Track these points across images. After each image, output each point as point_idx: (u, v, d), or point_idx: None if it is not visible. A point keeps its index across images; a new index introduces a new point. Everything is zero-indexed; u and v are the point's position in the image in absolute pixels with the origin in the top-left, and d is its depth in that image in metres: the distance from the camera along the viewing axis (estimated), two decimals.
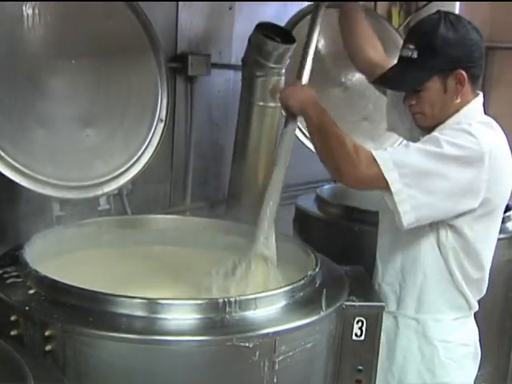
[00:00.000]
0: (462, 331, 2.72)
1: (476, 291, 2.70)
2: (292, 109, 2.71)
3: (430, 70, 2.52)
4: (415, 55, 2.53)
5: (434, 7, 4.34)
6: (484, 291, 2.73)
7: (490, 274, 2.73)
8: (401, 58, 2.62)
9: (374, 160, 2.45)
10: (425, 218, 2.50)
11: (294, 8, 4.09)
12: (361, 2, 3.37)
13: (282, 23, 3.77)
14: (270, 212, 2.71)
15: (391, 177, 2.43)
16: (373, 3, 5.19)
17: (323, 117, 2.60)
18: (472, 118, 2.57)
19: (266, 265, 2.62)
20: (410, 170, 2.43)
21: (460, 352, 2.71)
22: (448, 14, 2.55)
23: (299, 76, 2.83)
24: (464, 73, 2.52)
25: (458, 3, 5.02)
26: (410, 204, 2.44)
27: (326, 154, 2.57)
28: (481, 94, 2.66)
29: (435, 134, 2.51)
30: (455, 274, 2.62)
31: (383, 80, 2.69)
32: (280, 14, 4.11)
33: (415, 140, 2.66)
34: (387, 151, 2.49)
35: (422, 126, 2.66)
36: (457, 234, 2.57)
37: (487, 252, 2.67)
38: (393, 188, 2.43)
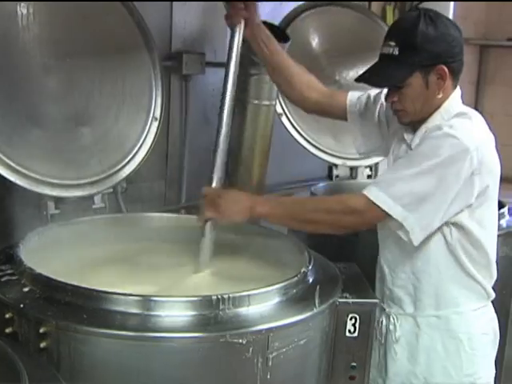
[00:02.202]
0: (483, 320, 2.75)
1: (487, 275, 2.72)
2: (239, 221, 2.67)
3: (412, 66, 2.54)
4: (396, 52, 2.54)
5: (428, 6, 4.34)
6: (495, 275, 2.75)
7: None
8: (382, 56, 2.63)
9: (372, 202, 2.49)
10: (433, 229, 2.56)
11: (289, 6, 4.11)
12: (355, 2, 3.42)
13: (277, 21, 3.78)
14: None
15: (396, 212, 2.49)
16: (367, 2, 5.20)
17: (282, 205, 2.68)
18: (451, 110, 2.60)
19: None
20: (409, 198, 2.48)
21: (482, 341, 2.73)
22: (427, 11, 2.57)
23: (211, 180, 2.76)
24: (445, 68, 2.54)
25: (452, 2, 5.02)
26: (418, 226, 2.51)
27: (321, 228, 2.62)
28: (458, 87, 2.68)
29: (420, 148, 2.55)
30: (466, 265, 2.64)
31: (365, 77, 2.69)
32: (275, 13, 4.11)
33: (399, 138, 2.71)
34: (380, 188, 2.51)
35: (405, 122, 2.68)
36: (458, 228, 2.60)
37: (489, 237, 2.70)
38: (400, 218, 2.49)
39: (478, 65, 6.61)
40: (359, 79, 2.72)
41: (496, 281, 2.78)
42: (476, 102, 6.51)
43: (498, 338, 2.84)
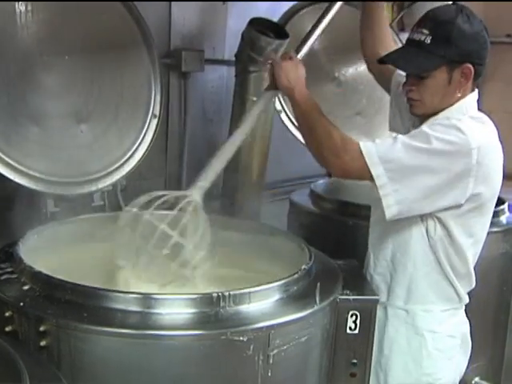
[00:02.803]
0: (451, 323, 2.74)
1: (465, 283, 2.72)
2: (279, 83, 2.70)
3: (441, 58, 2.52)
4: (428, 40, 2.52)
5: (427, 3, 4.34)
6: (473, 284, 2.75)
7: (484, 267, 2.76)
8: (411, 41, 2.60)
9: (361, 153, 2.47)
10: (408, 212, 2.53)
11: (287, 3, 4.10)
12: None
13: (276, 19, 3.77)
14: (215, 167, 2.77)
15: (376, 171, 2.46)
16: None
17: (310, 104, 2.62)
18: (464, 112, 2.59)
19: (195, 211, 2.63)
20: (396, 165, 2.45)
21: (447, 343, 2.73)
22: (464, 8, 2.57)
23: (298, 50, 2.85)
24: (471, 67, 2.54)
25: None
26: (394, 198, 2.47)
27: (313, 143, 2.61)
28: (476, 90, 2.67)
29: (425, 129, 2.51)
30: (444, 266, 2.64)
31: (391, 58, 2.69)
32: (273, 10, 4.10)
33: (407, 131, 2.68)
34: (374, 144, 2.50)
35: (417, 113, 2.66)
36: (443, 227, 2.60)
37: (473, 247, 2.68)
38: (377, 182, 2.46)
39: None
40: (385, 59, 2.70)
41: (496, 277, 2.78)
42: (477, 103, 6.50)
43: (469, 344, 2.84)
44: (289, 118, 4.13)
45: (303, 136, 2.67)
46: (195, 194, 2.66)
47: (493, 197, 2.64)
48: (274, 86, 2.74)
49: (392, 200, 2.47)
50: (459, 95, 2.59)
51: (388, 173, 2.45)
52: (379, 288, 2.77)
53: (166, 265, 2.53)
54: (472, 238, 2.65)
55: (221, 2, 4.04)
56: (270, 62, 2.77)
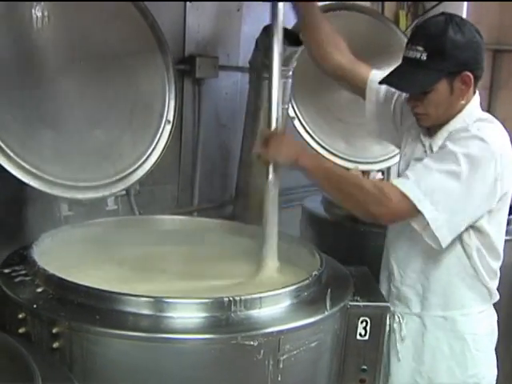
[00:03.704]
0: (487, 322, 2.79)
1: (495, 278, 2.75)
2: (282, 164, 2.70)
3: (440, 72, 2.55)
4: (424, 57, 2.54)
5: (441, 10, 4.34)
6: (499, 275, 2.77)
7: (503, 274, 2.79)
8: (407, 59, 2.62)
9: (403, 194, 2.48)
10: (459, 232, 2.57)
11: None
12: (368, 2, 3.43)
13: (290, 25, 3.78)
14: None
15: (425, 208, 2.47)
16: (380, 6, 5.21)
17: (324, 166, 2.66)
18: (473, 115, 2.62)
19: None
20: (440, 196, 2.48)
21: (486, 342, 2.77)
22: (453, 17, 2.58)
23: (269, 124, 2.79)
24: (470, 74, 2.55)
25: (465, 6, 5.02)
26: (447, 228, 2.51)
27: (348, 202, 2.62)
28: (477, 92, 2.70)
29: (449, 147, 2.53)
30: (479, 269, 2.67)
31: (392, 81, 2.70)
32: (288, 17, 4.11)
33: (413, 138, 2.71)
34: (412, 180, 2.50)
35: (425, 125, 2.69)
36: (478, 232, 2.62)
37: (501, 240, 2.73)
38: (428, 217, 2.48)
39: (491, 70, 6.59)
40: (385, 82, 2.72)
41: (508, 286, 2.80)
42: (489, 107, 6.49)
43: (497, 336, 2.86)
44: (301, 124, 4.15)
45: (334, 198, 2.71)
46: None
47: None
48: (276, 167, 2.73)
49: (445, 231, 2.51)
50: (463, 102, 2.61)
51: (435, 205, 2.47)
52: (410, 299, 2.78)
53: None
54: (502, 233, 2.71)
55: (235, 9, 4.06)
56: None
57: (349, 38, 4.04)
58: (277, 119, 2.78)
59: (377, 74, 2.93)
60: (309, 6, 3.01)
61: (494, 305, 2.84)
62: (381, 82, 2.75)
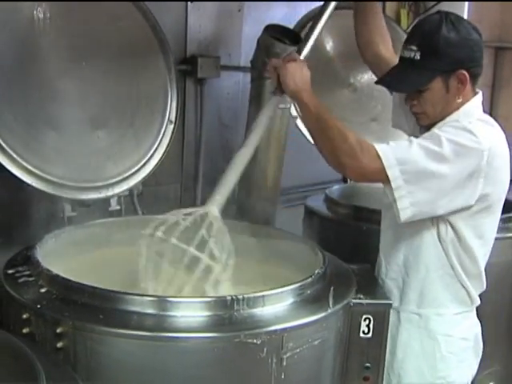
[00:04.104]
0: (464, 325, 2.75)
1: (477, 284, 2.73)
2: (286, 87, 2.70)
3: (433, 71, 2.55)
4: (418, 56, 2.55)
5: (442, 8, 4.35)
6: (484, 286, 2.75)
7: (497, 272, 2.77)
8: (403, 59, 2.63)
9: (377, 155, 2.48)
10: (422, 214, 2.54)
11: (303, 10, 4.12)
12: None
13: (291, 25, 3.79)
14: (230, 180, 2.79)
15: (393, 173, 2.47)
16: (381, 5, 5.20)
17: (319, 106, 2.62)
18: (471, 115, 2.60)
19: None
20: (412, 168, 2.46)
21: (460, 346, 2.74)
22: (448, 15, 2.57)
23: (300, 51, 2.86)
24: (466, 73, 2.55)
25: (466, 4, 5.02)
26: (408, 200, 2.48)
27: (326, 146, 2.60)
28: (480, 93, 2.69)
29: (436, 131, 2.53)
30: (456, 268, 2.65)
31: (385, 81, 2.71)
32: (289, 16, 4.13)
33: (412, 128, 2.71)
34: (390, 146, 2.51)
35: (424, 125, 2.69)
36: (453, 229, 2.61)
37: (482, 248, 2.69)
38: (393, 184, 2.47)
39: (493, 68, 6.59)
40: (380, 82, 2.73)
41: (510, 283, 2.78)
42: (491, 106, 6.48)
43: (481, 345, 2.84)
44: None
45: (314, 139, 2.66)
46: (212, 209, 2.66)
47: (501, 197, 2.65)
48: (280, 90, 2.75)
49: (407, 202, 2.49)
50: (460, 100, 2.60)
51: (404, 175, 2.46)
52: (391, 293, 2.78)
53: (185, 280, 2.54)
54: (482, 239, 2.66)
55: (236, 9, 4.07)
56: (274, 66, 2.76)
57: (350, 36, 4.05)
58: (308, 52, 2.87)
59: None
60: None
61: (495, 305, 2.82)
62: (376, 82, 2.76)
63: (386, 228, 2.81)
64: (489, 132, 2.56)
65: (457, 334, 2.72)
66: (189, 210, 2.66)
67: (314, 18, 3.03)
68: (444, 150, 2.46)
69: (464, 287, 2.69)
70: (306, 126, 2.77)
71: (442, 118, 2.62)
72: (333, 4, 2.96)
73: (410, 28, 2.84)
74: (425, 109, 2.62)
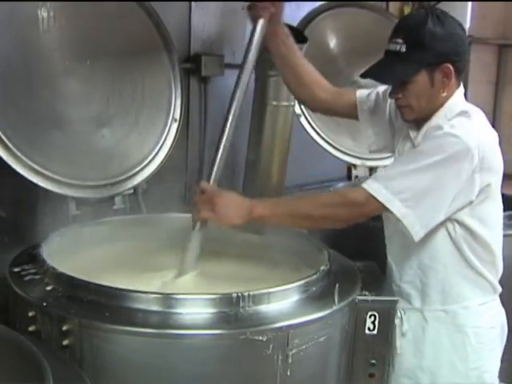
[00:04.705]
0: (490, 314, 2.75)
1: (494, 271, 2.72)
2: (237, 225, 2.60)
3: (418, 63, 2.55)
4: (404, 49, 2.55)
5: (445, 6, 4.35)
6: (501, 270, 2.75)
7: (507, 267, 2.77)
8: (388, 52, 2.63)
9: (371, 196, 2.49)
10: (432, 226, 2.55)
11: (307, 8, 4.12)
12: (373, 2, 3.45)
13: (295, 23, 3.79)
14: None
15: (394, 206, 2.48)
16: (385, 2, 5.21)
17: (280, 207, 2.64)
18: (455, 109, 2.61)
19: None
20: (409, 194, 2.48)
21: (489, 335, 2.74)
22: (435, 10, 2.59)
23: (209, 177, 2.74)
24: (451, 66, 2.56)
25: (469, 2, 5.02)
26: (419, 224, 2.50)
27: (324, 223, 2.66)
28: (461, 85, 2.69)
29: (421, 146, 2.55)
30: (472, 260, 2.65)
31: (371, 73, 2.70)
32: (292, 14, 4.12)
33: (404, 136, 2.73)
34: (379, 182, 2.52)
35: (409, 119, 2.69)
36: (461, 224, 2.61)
37: (492, 233, 2.69)
38: (399, 214, 2.49)
39: (496, 65, 6.58)
40: (365, 75, 2.73)
41: None
42: (495, 103, 6.46)
43: (506, 331, 2.85)
44: (308, 121, 4.16)
45: (310, 228, 2.80)
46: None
47: (498, 181, 2.65)
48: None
49: (418, 226, 2.50)
50: (444, 94, 2.60)
51: (405, 202, 2.47)
52: (410, 295, 2.77)
53: None
54: (489, 226, 2.66)
55: (240, 7, 4.06)
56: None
57: (353, 34, 4.07)
58: (217, 176, 2.72)
59: (362, 92, 3.00)
60: (289, 44, 2.98)
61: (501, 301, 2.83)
62: (361, 75, 2.75)
63: (391, 234, 2.80)
64: (470, 128, 2.55)
65: (485, 324, 2.72)
66: None
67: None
68: (432, 161, 2.46)
69: (483, 277, 2.68)
70: (291, 226, 2.81)
71: (427, 114, 2.63)
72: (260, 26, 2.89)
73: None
74: (410, 102, 2.62)
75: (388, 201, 2.48)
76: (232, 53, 4.09)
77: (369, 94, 2.97)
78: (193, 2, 3.84)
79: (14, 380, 1.93)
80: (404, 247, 2.74)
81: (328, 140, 4.26)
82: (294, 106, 3.69)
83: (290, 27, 3.38)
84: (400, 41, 2.57)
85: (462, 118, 2.57)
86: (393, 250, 2.84)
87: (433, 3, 4.91)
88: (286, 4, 3.97)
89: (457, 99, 2.65)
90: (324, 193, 2.54)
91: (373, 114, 2.96)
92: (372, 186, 2.51)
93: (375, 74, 2.69)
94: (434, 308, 2.74)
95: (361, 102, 2.98)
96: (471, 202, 2.56)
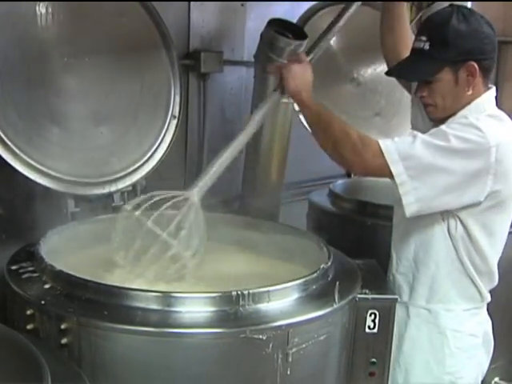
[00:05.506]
0: (473, 322, 2.73)
1: (487, 281, 2.72)
2: (286, 87, 2.76)
3: (442, 61, 2.54)
4: (427, 47, 2.55)
5: (445, 2, 4.33)
6: (496, 282, 2.74)
7: (505, 267, 2.75)
8: (413, 50, 2.65)
9: (381, 151, 2.48)
10: (428, 209, 2.53)
11: (306, 4, 4.11)
12: None
13: (294, 19, 3.78)
14: (215, 169, 2.80)
15: (396, 169, 2.47)
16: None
17: (320, 106, 2.66)
18: (482, 110, 2.58)
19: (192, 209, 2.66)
20: (415, 163, 2.46)
21: (469, 342, 2.73)
22: (461, 8, 2.58)
23: (310, 51, 2.93)
24: (475, 65, 2.53)
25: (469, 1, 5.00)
26: (413, 196, 2.48)
27: (328, 143, 2.63)
28: (493, 88, 2.67)
29: (443, 127, 2.53)
30: (466, 264, 2.64)
31: (395, 70, 2.73)
32: (292, 11, 4.11)
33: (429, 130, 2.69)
34: (394, 142, 2.51)
35: (434, 118, 2.68)
36: (463, 225, 2.60)
37: (493, 246, 2.67)
38: (397, 180, 2.48)
39: (496, 62, 6.56)
40: (389, 73, 2.75)
41: None
42: (495, 100, 6.44)
43: (492, 343, 2.84)
44: None
45: (317, 138, 2.69)
46: (192, 194, 2.71)
47: (510, 192, 2.61)
48: (282, 89, 2.80)
49: (412, 198, 2.48)
50: (470, 93, 2.58)
51: (408, 170, 2.46)
52: (401, 287, 2.78)
53: (156, 262, 2.58)
54: (492, 237, 2.65)
55: (239, 4, 4.05)
56: (278, 66, 2.83)
57: (353, 31, 4.05)
58: (315, 53, 3.00)
59: None
60: (399, 4, 3.12)
61: (501, 300, 2.81)
62: (386, 73, 2.77)
63: (398, 223, 2.80)
64: (498, 128, 2.53)
65: (465, 330, 2.71)
66: (170, 193, 2.67)
67: (333, 20, 3.09)
68: (450, 146, 2.45)
69: (474, 284, 2.68)
70: (309, 125, 2.78)
71: (453, 112, 2.61)
72: (355, 6, 2.97)
73: (419, 23, 2.85)
74: (434, 100, 2.61)
75: (393, 162, 2.47)
76: (231, 49, 4.09)
77: None
78: None
79: (12, 379, 1.92)
80: (405, 236, 2.75)
81: None
82: (293, 103, 3.68)
83: (290, 24, 3.38)
84: (424, 38, 2.57)
85: (490, 118, 2.56)
86: (396, 239, 2.84)
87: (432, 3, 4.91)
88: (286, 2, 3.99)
89: (485, 100, 2.62)
90: (353, 128, 2.53)
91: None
92: (385, 142, 2.50)
93: (398, 71, 2.71)
94: (419, 304, 2.74)
95: None
96: (479, 204, 2.54)
